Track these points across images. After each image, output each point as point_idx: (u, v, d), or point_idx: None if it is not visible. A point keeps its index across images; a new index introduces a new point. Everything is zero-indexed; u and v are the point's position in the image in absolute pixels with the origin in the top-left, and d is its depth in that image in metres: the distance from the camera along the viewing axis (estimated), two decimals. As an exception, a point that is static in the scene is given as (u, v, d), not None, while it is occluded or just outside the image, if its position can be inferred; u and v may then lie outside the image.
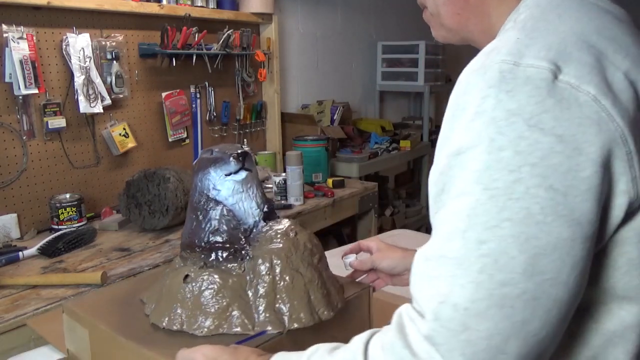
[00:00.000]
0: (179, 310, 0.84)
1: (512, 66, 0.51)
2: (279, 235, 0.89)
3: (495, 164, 0.50)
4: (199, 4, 2.36)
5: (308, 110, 3.11)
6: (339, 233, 2.85)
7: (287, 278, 0.85)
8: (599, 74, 0.51)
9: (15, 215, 1.83)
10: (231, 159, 0.90)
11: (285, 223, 0.93)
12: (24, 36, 1.77)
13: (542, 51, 0.52)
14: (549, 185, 0.48)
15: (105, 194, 2.12)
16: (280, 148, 2.83)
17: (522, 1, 0.63)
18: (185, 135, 2.43)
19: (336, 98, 3.28)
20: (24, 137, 1.84)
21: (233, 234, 0.89)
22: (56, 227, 1.85)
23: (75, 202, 1.89)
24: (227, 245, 0.88)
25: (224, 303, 0.83)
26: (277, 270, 0.85)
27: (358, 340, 0.58)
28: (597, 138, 0.49)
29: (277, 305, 0.83)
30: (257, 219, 0.92)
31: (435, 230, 0.54)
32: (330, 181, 2.53)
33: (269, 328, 0.81)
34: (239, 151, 0.92)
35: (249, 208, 0.92)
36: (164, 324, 0.84)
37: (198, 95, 2.48)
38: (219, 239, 0.89)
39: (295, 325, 0.82)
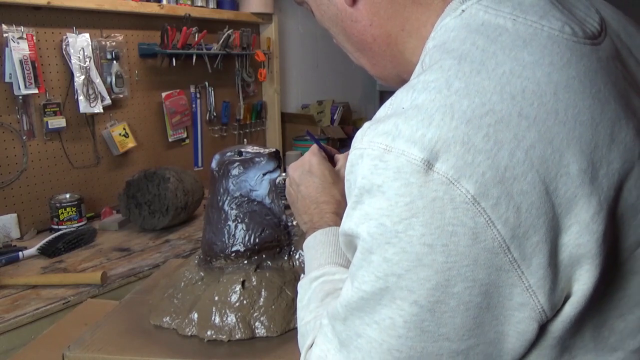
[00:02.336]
0: (234, 319, 0.84)
1: (383, 152, 0.43)
2: None
3: (365, 265, 0.45)
4: (199, 4, 2.36)
5: (308, 110, 3.11)
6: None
7: None
8: (487, 160, 0.41)
9: (15, 215, 1.83)
10: (267, 158, 0.91)
11: None
12: (24, 36, 1.77)
13: (420, 130, 0.42)
14: (413, 300, 0.43)
15: (105, 194, 2.12)
16: (280, 148, 2.83)
17: (435, 26, 0.53)
18: (185, 135, 2.43)
19: (336, 98, 3.28)
20: (24, 137, 1.84)
21: (279, 232, 0.92)
22: (56, 227, 1.85)
23: (75, 202, 1.89)
24: (275, 244, 0.91)
25: (290, 299, 0.85)
26: None
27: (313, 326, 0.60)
28: (471, 249, 0.41)
29: None
30: (286, 214, 0.95)
31: (336, 301, 0.52)
32: (330, 181, 2.52)
33: None
34: (272, 150, 0.93)
35: (280, 204, 0.94)
36: (222, 336, 0.83)
37: (198, 95, 2.48)
38: (268, 239, 0.90)
39: None
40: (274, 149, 0.94)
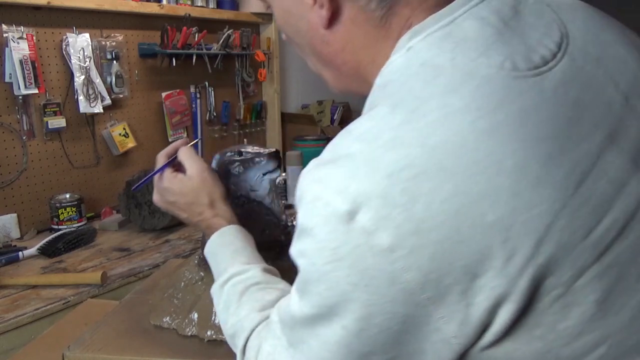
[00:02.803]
0: None
1: (316, 199, 0.47)
2: None
3: (304, 291, 0.50)
4: (199, 4, 2.36)
5: (308, 110, 3.11)
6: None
7: None
8: (403, 213, 0.43)
9: (15, 215, 1.83)
10: (267, 158, 0.91)
11: None
12: (24, 36, 1.77)
13: (346, 181, 0.45)
14: (342, 326, 0.48)
15: (105, 194, 2.12)
16: (280, 148, 2.83)
17: (388, 61, 0.54)
18: (185, 135, 2.43)
19: (336, 98, 3.27)
20: (24, 137, 1.84)
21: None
22: (56, 227, 1.85)
23: (75, 202, 1.89)
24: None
25: None
26: None
27: (246, 329, 0.65)
28: (390, 290, 0.45)
29: None
30: (286, 214, 0.95)
31: (290, 302, 0.56)
32: (330, 181, 2.52)
33: None
34: (272, 150, 0.93)
35: (280, 204, 0.94)
36: (222, 336, 0.82)
37: (198, 95, 2.48)
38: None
39: None
40: (274, 149, 0.94)
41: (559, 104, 0.47)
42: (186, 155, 0.85)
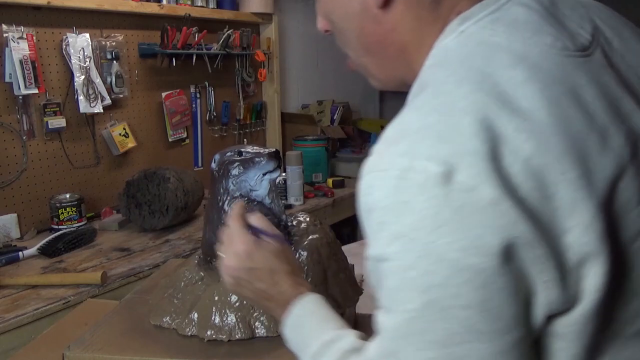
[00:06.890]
0: (234, 319, 0.84)
1: (406, 170, 0.46)
2: (310, 227, 0.94)
3: (405, 284, 0.46)
4: (199, 4, 2.36)
5: (308, 110, 3.11)
6: (339, 233, 2.85)
7: (332, 264, 0.91)
8: (496, 169, 0.44)
9: (15, 215, 1.83)
10: (267, 158, 0.91)
11: (304, 215, 0.98)
12: (24, 36, 1.77)
13: (435, 146, 0.46)
14: (464, 304, 0.44)
15: (105, 194, 2.12)
16: (280, 148, 2.83)
17: (435, 45, 0.56)
18: (185, 135, 2.43)
19: (336, 98, 3.27)
20: (24, 137, 1.84)
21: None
22: (56, 227, 1.85)
23: (75, 202, 1.89)
24: None
25: None
26: (324, 259, 0.90)
27: None
28: (502, 247, 0.44)
29: (329, 291, 0.88)
30: (286, 214, 0.95)
31: (375, 341, 0.52)
32: (330, 181, 2.53)
33: None
34: (272, 150, 0.93)
35: (280, 204, 0.94)
36: (222, 336, 0.83)
37: (198, 95, 2.48)
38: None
39: (349, 304, 0.91)
40: (274, 149, 0.94)
41: (605, 83, 0.52)
42: (262, 222, 0.77)
